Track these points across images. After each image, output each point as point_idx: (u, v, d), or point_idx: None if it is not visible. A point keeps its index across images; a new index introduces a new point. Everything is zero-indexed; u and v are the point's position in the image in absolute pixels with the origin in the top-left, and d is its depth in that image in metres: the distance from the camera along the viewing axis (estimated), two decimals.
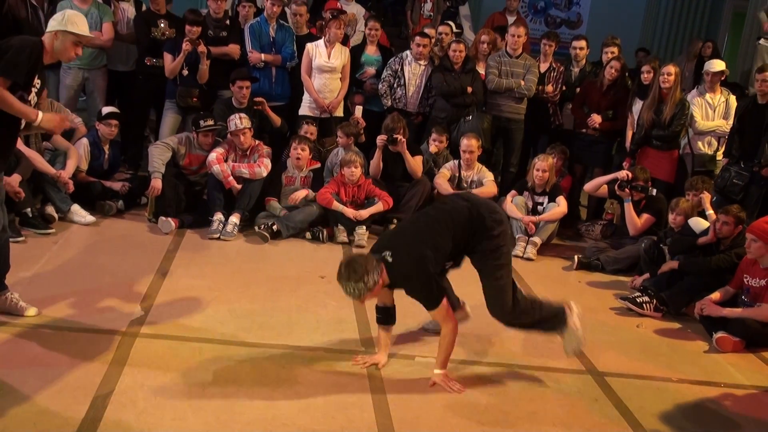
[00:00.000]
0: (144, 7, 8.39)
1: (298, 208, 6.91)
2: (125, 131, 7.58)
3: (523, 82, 8.00)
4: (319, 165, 7.35)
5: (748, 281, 5.49)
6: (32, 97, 4.40)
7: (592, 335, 5.29)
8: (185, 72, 7.71)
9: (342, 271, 3.99)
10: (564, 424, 4.02)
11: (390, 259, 4.07)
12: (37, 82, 4.40)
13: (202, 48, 7.54)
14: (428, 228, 4.21)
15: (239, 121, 6.94)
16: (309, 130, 7.54)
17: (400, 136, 7.26)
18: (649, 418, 4.19)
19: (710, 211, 6.57)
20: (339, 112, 8.02)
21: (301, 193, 6.92)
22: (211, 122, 7.12)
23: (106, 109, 7.24)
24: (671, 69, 7.41)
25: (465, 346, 4.80)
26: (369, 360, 4.43)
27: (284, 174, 7.20)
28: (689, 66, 10.11)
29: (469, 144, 7.35)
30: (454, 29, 9.09)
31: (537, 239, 7.07)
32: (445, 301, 4.15)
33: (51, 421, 3.49)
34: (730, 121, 7.51)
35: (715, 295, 5.62)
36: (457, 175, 7.46)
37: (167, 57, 7.69)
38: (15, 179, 6.13)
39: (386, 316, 4.46)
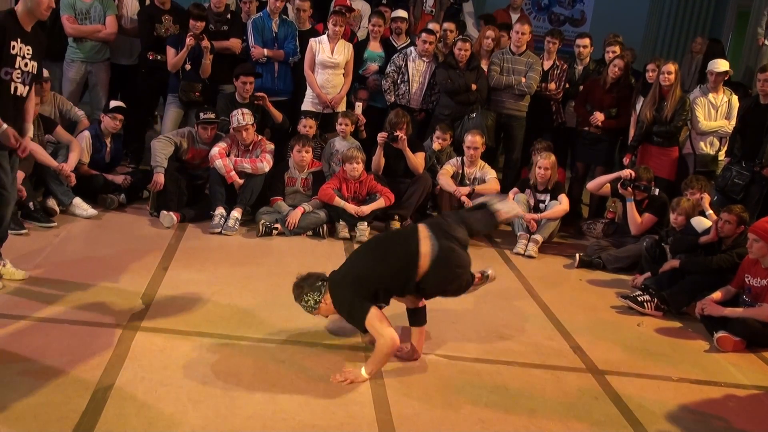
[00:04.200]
0: (148, 1, 8.37)
1: (305, 212, 6.90)
2: (127, 125, 7.58)
3: (524, 80, 7.99)
4: (320, 167, 7.35)
5: (749, 281, 5.48)
6: (24, 67, 4.62)
7: (593, 333, 5.31)
8: (188, 66, 7.70)
9: (293, 288, 4.35)
10: (564, 422, 4.02)
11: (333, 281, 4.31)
12: (22, 48, 4.56)
13: (205, 43, 7.54)
14: (368, 255, 4.44)
15: (242, 117, 6.93)
16: (308, 124, 7.52)
17: (401, 134, 7.25)
18: (649, 416, 4.19)
19: (710, 212, 6.56)
20: (341, 108, 8.01)
21: (296, 215, 6.82)
22: (211, 115, 7.11)
23: (113, 103, 7.23)
24: (671, 67, 7.41)
25: (466, 344, 4.82)
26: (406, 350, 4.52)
27: (286, 174, 7.19)
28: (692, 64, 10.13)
29: (474, 140, 7.34)
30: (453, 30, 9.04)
31: (538, 237, 7.07)
32: (371, 315, 4.10)
33: (51, 413, 3.49)
34: (733, 122, 7.49)
35: (716, 295, 5.61)
36: (460, 172, 7.45)
37: (170, 51, 7.68)
38: (18, 176, 6.12)
39: (413, 317, 4.52)
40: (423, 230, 4.31)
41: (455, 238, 4.31)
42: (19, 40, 4.56)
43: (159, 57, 7.90)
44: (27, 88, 4.72)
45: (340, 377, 4.14)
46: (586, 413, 4.15)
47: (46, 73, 7.03)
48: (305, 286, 4.29)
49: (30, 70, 4.67)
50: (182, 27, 7.86)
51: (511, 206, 4.92)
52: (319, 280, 4.31)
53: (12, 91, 4.61)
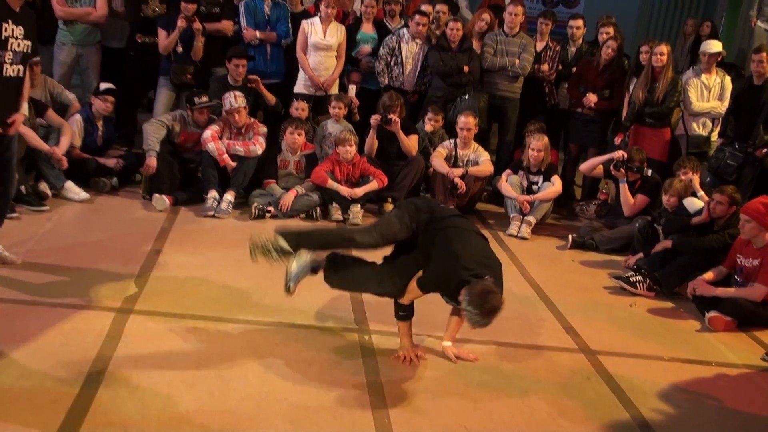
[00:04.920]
0: None
1: (298, 194, 6.89)
2: (119, 108, 7.55)
3: (517, 61, 7.97)
4: (313, 149, 7.33)
5: (741, 261, 5.51)
6: (18, 48, 4.57)
7: (586, 314, 5.34)
8: (179, 49, 7.66)
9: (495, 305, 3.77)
10: (556, 402, 4.04)
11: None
12: (14, 30, 4.52)
13: (197, 25, 7.49)
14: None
15: (234, 100, 6.91)
16: (300, 106, 7.50)
17: (394, 116, 7.24)
18: (641, 396, 4.22)
19: (701, 192, 6.58)
20: (334, 90, 7.98)
21: (289, 198, 6.82)
22: (205, 99, 7.09)
23: (104, 85, 7.21)
24: (663, 48, 7.41)
25: None
26: (410, 354, 4.30)
27: (279, 156, 7.18)
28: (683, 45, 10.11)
29: (467, 121, 7.34)
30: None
31: (531, 218, 7.08)
32: None
33: (45, 396, 3.50)
34: (725, 103, 7.50)
35: (708, 275, 5.64)
36: (454, 154, 7.45)
37: (161, 33, 7.64)
38: None
39: (409, 312, 4.33)
40: None
41: None
42: (10, 21, 4.54)
43: (147, 39, 7.84)
44: (20, 67, 4.70)
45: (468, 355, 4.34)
46: (578, 393, 4.18)
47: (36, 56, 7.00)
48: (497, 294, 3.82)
49: (23, 50, 4.65)
50: (169, 7, 7.80)
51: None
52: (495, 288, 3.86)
53: (3, 73, 4.59)
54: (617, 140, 7.64)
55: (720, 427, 4.03)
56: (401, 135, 7.31)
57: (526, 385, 4.19)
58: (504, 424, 3.77)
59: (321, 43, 7.78)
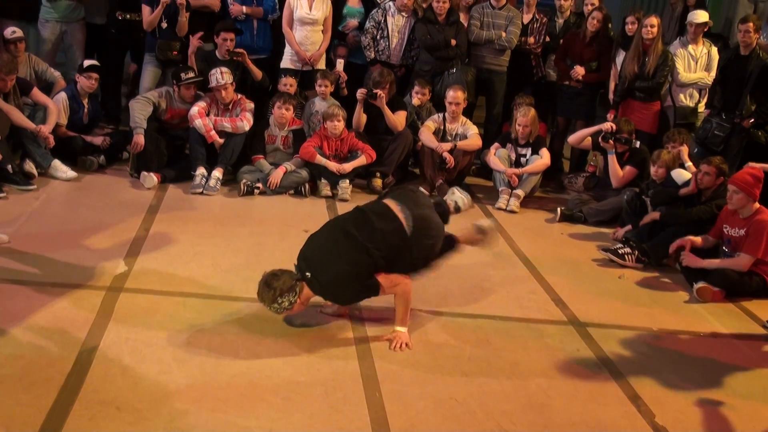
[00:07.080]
0: None
1: (287, 171, 6.87)
2: (103, 85, 7.49)
3: (504, 34, 7.93)
4: (301, 125, 7.30)
5: (727, 231, 5.54)
6: None
7: (575, 286, 5.36)
8: (164, 25, 7.58)
9: (259, 290, 4.02)
10: (546, 374, 4.07)
11: (309, 277, 4.02)
12: None
13: (181, 0, 7.41)
14: (345, 243, 4.05)
15: (221, 76, 6.86)
16: (288, 82, 7.46)
17: (380, 92, 7.20)
18: (630, 367, 4.26)
19: (689, 163, 6.60)
20: (321, 65, 7.94)
21: (278, 175, 6.80)
22: (192, 75, 7.04)
23: (87, 62, 7.15)
24: (653, 21, 7.38)
25: (449, 299, 4.86)
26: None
27: (266, 131, 7.15)
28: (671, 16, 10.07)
29: (455, 96, 7.31)
30: None
31: (520, 191, 7.09)
32: (380, 282, 4.03)
33: (37, 374, 3.50)
34: (712, 74, 7.50)
35: (697, 240, 5.67)
36: (442, 128, 7.44)
37: (145, 9, 7.55)
38: None
39: None
40: (394, 205, 4.19)
41: (424, 204, 4.33)
42: None
43: (128, 16, 7.77)
44: None
45: (395, 346, 4.13)
46: (567, 365, 4.20)
47: (20, 33, 6.94)
48: (277, 288, 3.95)
49: None
50: None
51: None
52: (293, 280, 4.00)
53: None
54: (609, 116, 7.62)
55: (708, 396, 4.07)
56: (386, 110, 7.26)
57: (516, 358, 4.21)
58: (494, 396, 3.80)
59: (307, 17, 7.72)
